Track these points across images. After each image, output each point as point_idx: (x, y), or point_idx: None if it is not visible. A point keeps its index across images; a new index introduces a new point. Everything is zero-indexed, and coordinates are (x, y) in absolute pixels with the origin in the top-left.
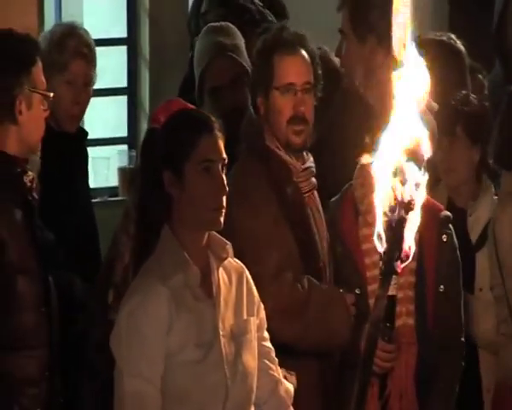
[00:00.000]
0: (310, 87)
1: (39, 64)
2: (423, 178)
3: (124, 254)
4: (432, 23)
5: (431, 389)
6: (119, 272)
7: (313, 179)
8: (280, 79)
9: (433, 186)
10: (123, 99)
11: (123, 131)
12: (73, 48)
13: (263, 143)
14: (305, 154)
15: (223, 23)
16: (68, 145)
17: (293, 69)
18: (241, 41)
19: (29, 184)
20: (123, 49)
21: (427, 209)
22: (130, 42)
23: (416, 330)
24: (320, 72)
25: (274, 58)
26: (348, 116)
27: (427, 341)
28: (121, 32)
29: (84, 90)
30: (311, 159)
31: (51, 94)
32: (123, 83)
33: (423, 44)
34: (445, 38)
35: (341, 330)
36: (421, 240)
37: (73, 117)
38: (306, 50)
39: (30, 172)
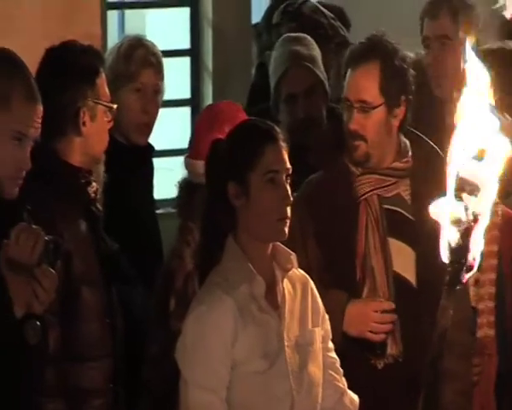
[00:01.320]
0: (365, 106)
1: (103, 75)
2: (492, 187)
3: (185, 263)
4: None
5: (508, 402)
6: (180, 281)
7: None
8: (344, 93)
9: (508, 195)
10: (186, 110)
11: (186, 143)
12: (141, 57)
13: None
14: (401, 152)
15: (300, 34)
16: (135, 158)
17: (351, 84)
18: (317, 53)
19: (93, 195)
20: (186, 60)
21: (505, 220)
22: (194, 53)
23: (496, 342)
24: (395, 87)
25: (348, 71)
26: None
27: (507, 353)
28: (184, 43)
29: (153, 99)
30: (395, 165)
31: (115, 105)
32: (186, 94)
33: (485, 54)
34: (504, 46)
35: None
36: (499, 250)
37: (142, 126)
38: (384, 62)
39: (94, 183)
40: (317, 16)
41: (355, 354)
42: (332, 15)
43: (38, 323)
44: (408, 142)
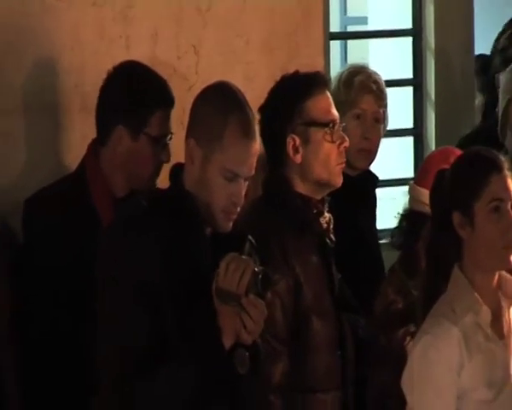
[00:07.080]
0: None
1: (317, 97)
2: None
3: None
4: None
5: None
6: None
7: None
8: None
9: None
10: (409, 140)
11: (409, 172)
12: (361, 83)
13: None
14: None
15: None
16: (360, 188)
17: None
18: None
19: (325, 225)
20: (409, 89)
21: None
22: (417, 82)
23: None
24: None
25: None
26: None
27: None
28: (407, 72)
29: (374, 126)
30: None
31: (333, 124)
32: (409, 124)
33: None
34: None
35: None
36: None
37: (363, 152)
38: None
39: (326, 214)
40: None
41: None
42: None
43: (247, 353)
44: None
